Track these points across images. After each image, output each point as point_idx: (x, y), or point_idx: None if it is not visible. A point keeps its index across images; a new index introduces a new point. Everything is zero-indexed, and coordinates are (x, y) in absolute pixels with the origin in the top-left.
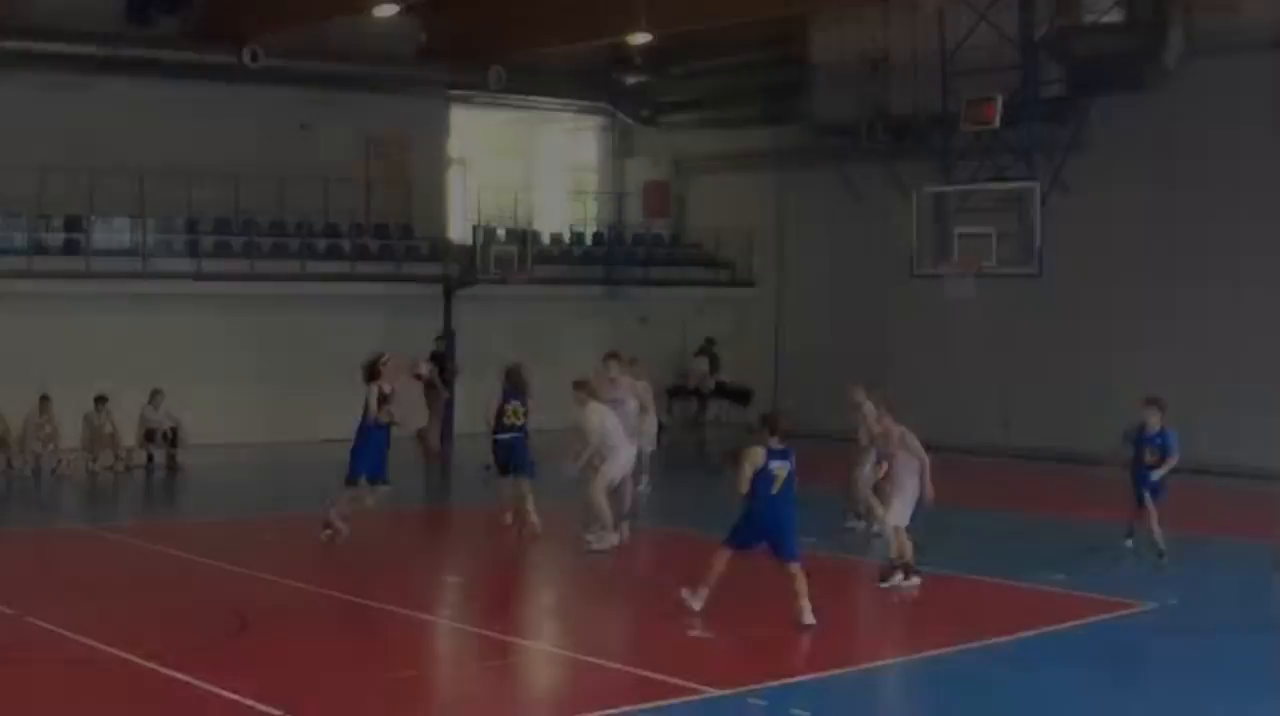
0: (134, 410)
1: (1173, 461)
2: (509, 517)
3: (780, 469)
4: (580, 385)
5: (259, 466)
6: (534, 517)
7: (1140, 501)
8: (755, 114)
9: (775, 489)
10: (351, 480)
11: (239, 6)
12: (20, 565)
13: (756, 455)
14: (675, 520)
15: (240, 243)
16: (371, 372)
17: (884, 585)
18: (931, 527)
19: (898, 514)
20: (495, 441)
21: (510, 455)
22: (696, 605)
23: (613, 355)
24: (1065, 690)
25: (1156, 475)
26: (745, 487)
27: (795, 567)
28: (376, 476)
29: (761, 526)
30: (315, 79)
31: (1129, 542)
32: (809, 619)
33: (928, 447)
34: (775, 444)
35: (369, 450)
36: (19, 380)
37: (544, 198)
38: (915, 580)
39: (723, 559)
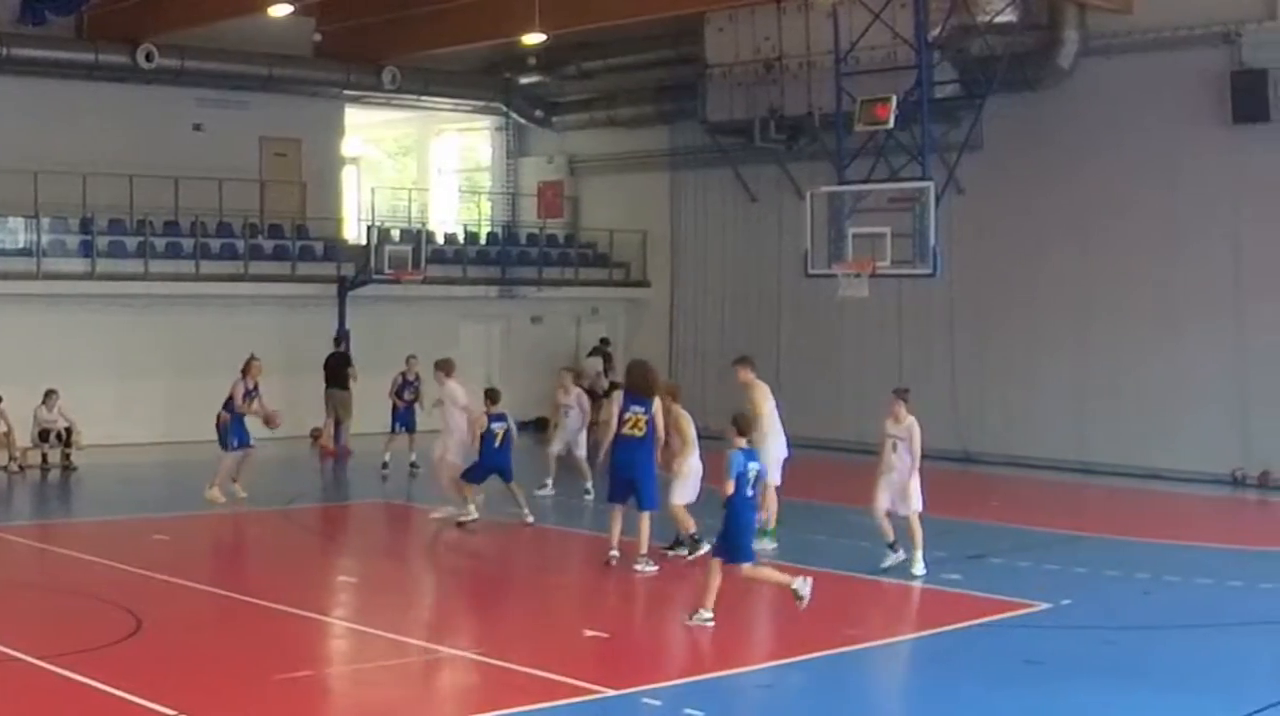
0: (28, 410)
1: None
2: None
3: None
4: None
5: (154, 466)
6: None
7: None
8: (650, 114)
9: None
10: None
11: (133, 7)
12: None
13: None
14: (572, 520)
15: (134, 243)
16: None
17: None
18: (826, 527)
19: (680, 494)
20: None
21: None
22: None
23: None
24: (962, 689)
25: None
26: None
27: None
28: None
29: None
30: (209, 79)
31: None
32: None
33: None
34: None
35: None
36: None
37: (438, 198)
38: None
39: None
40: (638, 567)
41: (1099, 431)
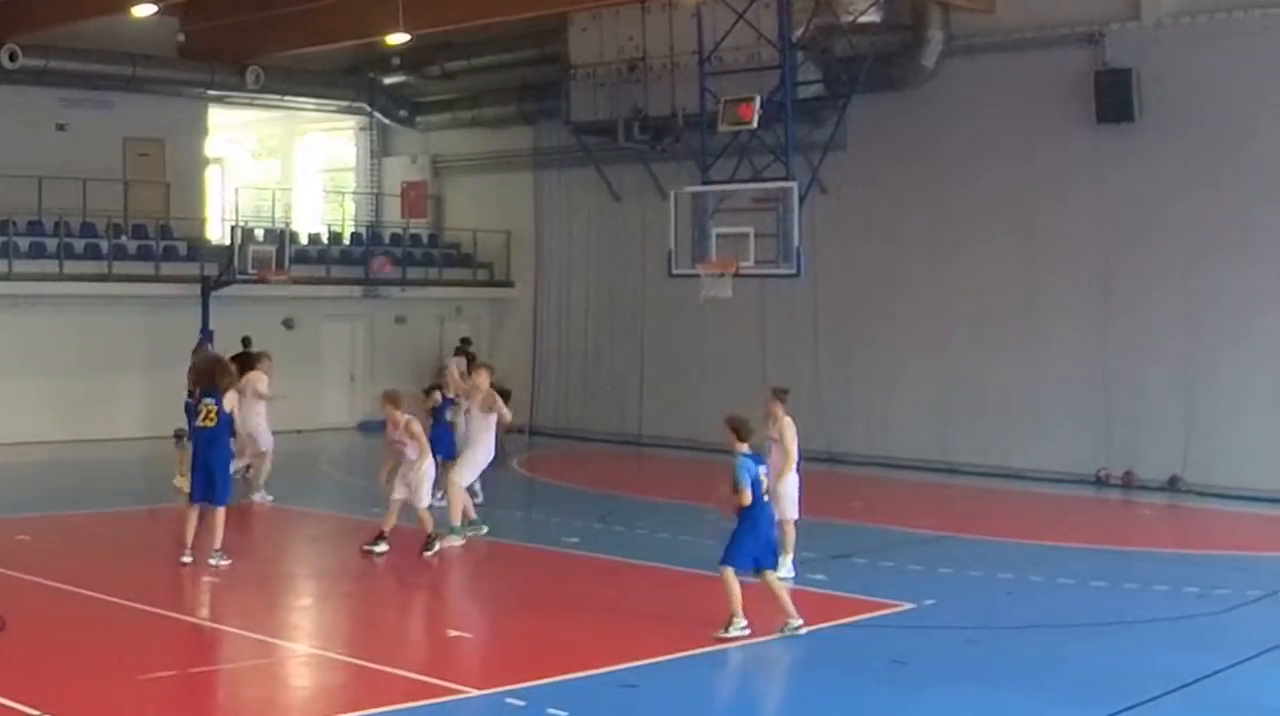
0: None
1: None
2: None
3: (763, 475)
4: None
5: (15, 467)
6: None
7: None
8: (513, 114)
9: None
10: None
11: None
12: None
13: (749, 464)
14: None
15: None
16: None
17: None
18: (692, 528)
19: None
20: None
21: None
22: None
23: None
24: (827, 689)
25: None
26: (748, 498)
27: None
28: None
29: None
30: (73, 79)
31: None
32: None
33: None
34: (748, 450)
35: None
36: None
37: (302, 198)
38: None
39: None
40: (211, 562)
41: (963, 432)
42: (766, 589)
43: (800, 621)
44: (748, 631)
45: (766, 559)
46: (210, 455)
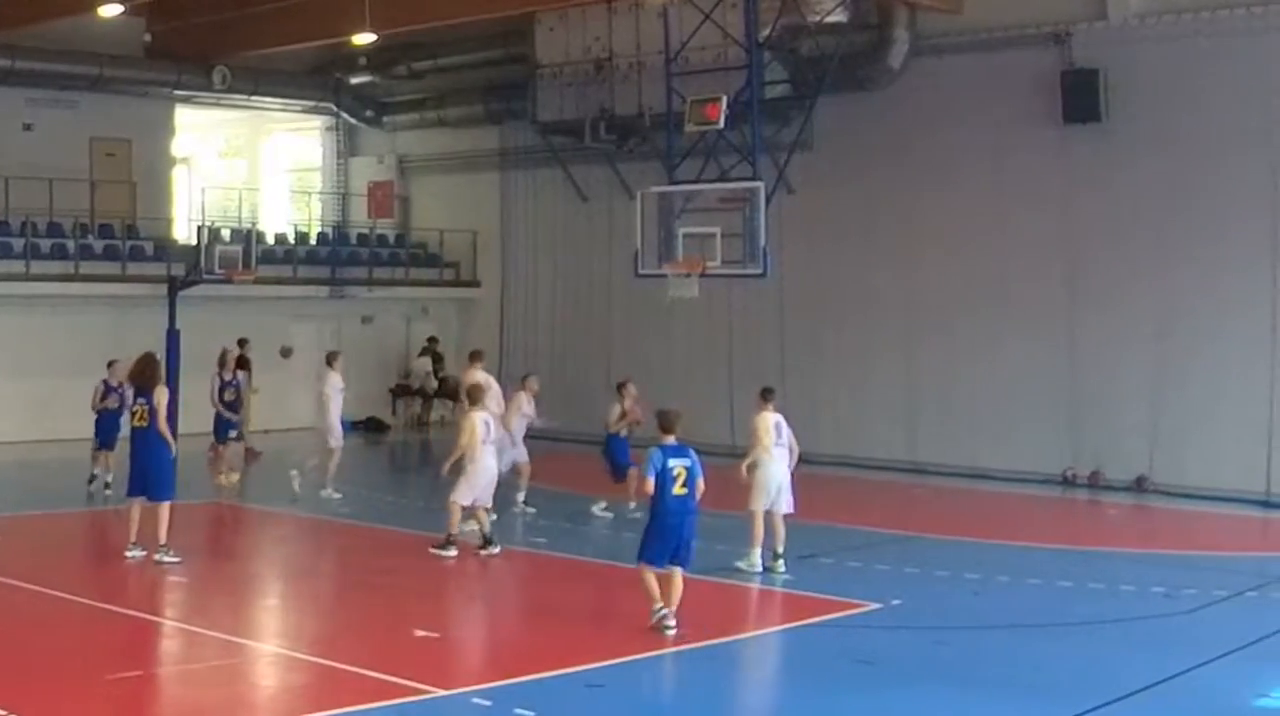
0: None
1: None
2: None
3: (680, 468)
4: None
5: None
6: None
7: None
8: (480, 114)
9: (677, 489)
10: None
11: None
12: None
13: (656, 454)
14: (402, 520)
15: None
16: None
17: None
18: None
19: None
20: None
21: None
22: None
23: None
24: (793, 689)
25: None
26: (649, 486)
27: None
28: None
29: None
30: (40, 79)
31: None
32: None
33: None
34: (671, 441)
35: None
36: None
37: (269, 198)
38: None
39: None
40: (157, 559)
41: (930, 432)
42: (667, 582)
43: (670, 617)
44: (672, 624)
45: (681, 554)
46: (146, 454)
